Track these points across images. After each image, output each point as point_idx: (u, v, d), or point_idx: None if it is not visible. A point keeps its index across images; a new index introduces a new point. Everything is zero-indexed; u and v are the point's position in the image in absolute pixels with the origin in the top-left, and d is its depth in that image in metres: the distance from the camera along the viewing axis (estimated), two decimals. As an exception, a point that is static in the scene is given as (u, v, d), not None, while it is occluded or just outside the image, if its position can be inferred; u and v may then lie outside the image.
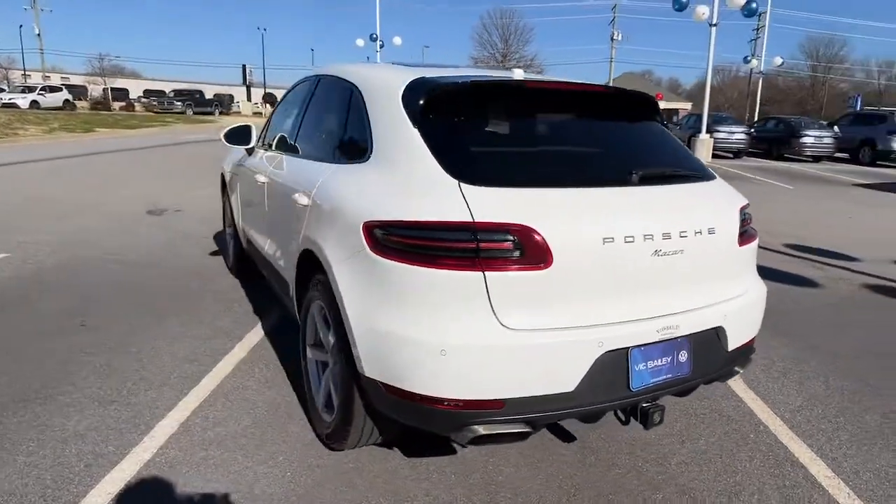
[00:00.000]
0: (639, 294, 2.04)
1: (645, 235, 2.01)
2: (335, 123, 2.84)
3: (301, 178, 2.80)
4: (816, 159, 19.05)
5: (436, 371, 1.89)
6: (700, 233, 2.14)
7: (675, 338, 2.09)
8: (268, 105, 55.14)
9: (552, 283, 1.90)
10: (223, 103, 45.17)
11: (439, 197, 1.95)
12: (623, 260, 1.98)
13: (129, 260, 5.32)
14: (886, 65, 57.77)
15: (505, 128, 2.35)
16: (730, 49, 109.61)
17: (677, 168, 2.39)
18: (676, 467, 2.46)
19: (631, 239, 1.99)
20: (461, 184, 1.95)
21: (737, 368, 2.38)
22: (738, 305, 2.29)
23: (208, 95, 46.75)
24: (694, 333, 2.14)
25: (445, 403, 1.92)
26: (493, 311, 1.87)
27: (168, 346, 3.49)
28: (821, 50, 58.11)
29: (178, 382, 3.06)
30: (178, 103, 39.63)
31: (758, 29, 53.24)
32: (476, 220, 1.86)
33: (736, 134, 19.02)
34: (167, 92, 45.33)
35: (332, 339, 2.41)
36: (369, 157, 2.33)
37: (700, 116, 18.70)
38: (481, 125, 2.31)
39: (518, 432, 1.96)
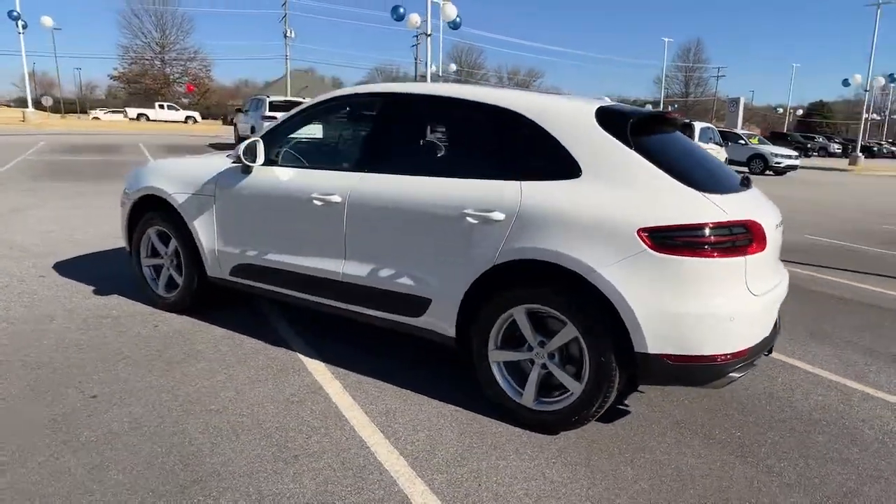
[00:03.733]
0: (777, 265, 2.98)
1: (776, 224, 2.94)
2: (491, 144, 3.01)
3: (473, 195, 2.86)
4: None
5: (724, 334, 2.50)
6: (781, 223, 3.15)
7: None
8: None
9: (765, 259, 2.68)
10: None
11: (700, 204, 2.52)
12: (775, 241, 2.88)
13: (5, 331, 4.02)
14: (513, 72, 72.18)
15: (671, 147, 2.97)
16: (393, 53, 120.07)
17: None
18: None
19: (779, 225, 2.90)
20: (703, 193, 2.57)
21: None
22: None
23: None
24: None
25: (721, 358, 2.53)
26: (746, 284, 2.57)
27: (240, 390, 3.08)
28: (463, 57, 69.14)
29: (317, 423, 2.83)
30: None
31: (418, 36, 60.35)
32: (732, 220, 2.52)
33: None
34: None
35: (544, 340, 2.79)
36: (581, 174, 2.69)
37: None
38: (663, 145, 2.89)
39: (748, 371, 2.70)
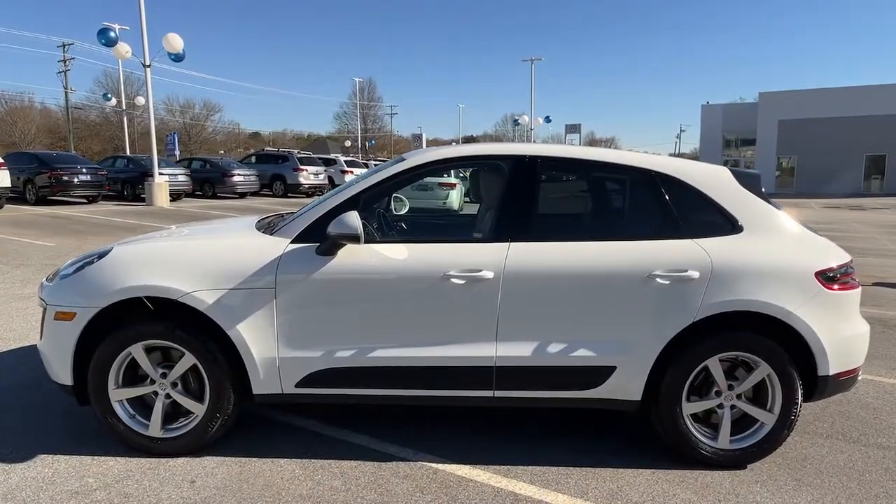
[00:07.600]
0: None
1: None
2: (655, 207, 3.06)
3: (657, 257, 2.90)
4: (242, 195, 21.47)
5: (863, 348, 3.09)
6: None
7: None
8: None
9: None
10: None
11: (833, 247, 3.11)
12: None
13: None
14: (187, 105, 65.70)
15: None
16: (24, 77, 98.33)
17: None
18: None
19: None
20: (821, 237, 3.18)
21: None
22: None
23: None
24: None
25: (859, 368, 3.14)
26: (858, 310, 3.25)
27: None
28: (116, 86, 60.26)
29: None
30: None
31: (65, 61, 50.89)
32: (850, 258, 3.18)
33: (180, 176, 19.07)
34: None
35: (731, 384, 3.01)
36: (742, 229, 3.00)
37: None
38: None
39: None
